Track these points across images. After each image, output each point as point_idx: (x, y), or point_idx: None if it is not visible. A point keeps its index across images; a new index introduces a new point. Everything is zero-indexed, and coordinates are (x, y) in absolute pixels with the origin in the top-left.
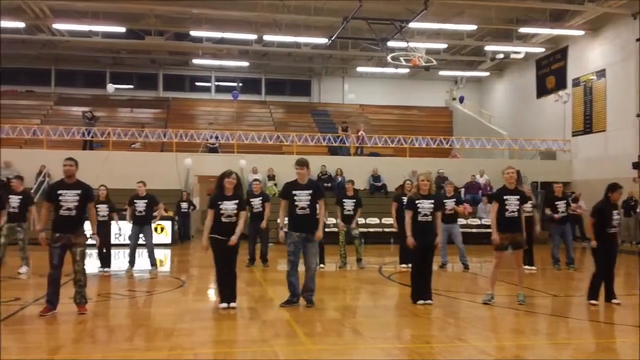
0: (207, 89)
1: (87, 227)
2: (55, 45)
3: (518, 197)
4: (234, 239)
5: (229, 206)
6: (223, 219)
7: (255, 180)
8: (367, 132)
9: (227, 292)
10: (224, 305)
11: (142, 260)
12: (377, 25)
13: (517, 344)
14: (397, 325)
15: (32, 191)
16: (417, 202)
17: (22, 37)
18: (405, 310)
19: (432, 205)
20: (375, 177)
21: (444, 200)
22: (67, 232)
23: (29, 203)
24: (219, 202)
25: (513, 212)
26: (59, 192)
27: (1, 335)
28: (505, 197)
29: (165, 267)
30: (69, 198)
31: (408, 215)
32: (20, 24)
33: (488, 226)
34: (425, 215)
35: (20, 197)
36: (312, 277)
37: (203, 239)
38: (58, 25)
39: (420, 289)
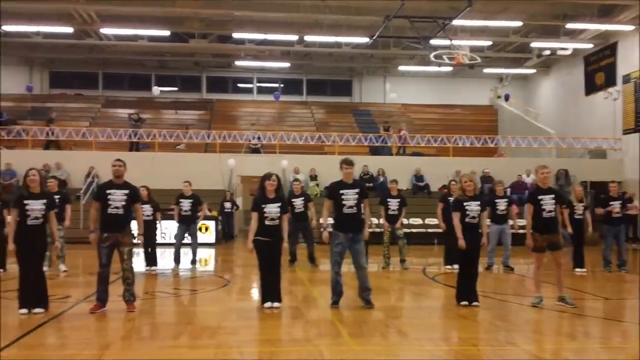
0: (249, 90)
1: (134, 226)
2: (102, 49)
3: (553, 196)
4: (285, 246)
5: (272, 209)
6: (267, 222)
7: (296, 180)
8: (409, 131)
9: (271, 292)
10: (268, 304)
11: (188, 258)
12: (420, 23)
13: (568, 348)
14: (443, 327)
15: (81, 191)
16: (465, 203)
17: (71, 42)
18: (451, 312)
19: (479, 207)
20: (418, 177)
21: (496, 200)
22: (115, 231)
23: (65, 202)
24: (263, 205)
25: (550, 212)
26: (108, 191)
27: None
28: (539, 198)
29: (210, 266)
30: (117, 197)
31: (456, 217)
32: (69, 29)
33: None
34: (473, 217)
35: (58, 197)
36: (366, 276)
37: (248, 242)
38: (105, 30)
39: (466, 290)
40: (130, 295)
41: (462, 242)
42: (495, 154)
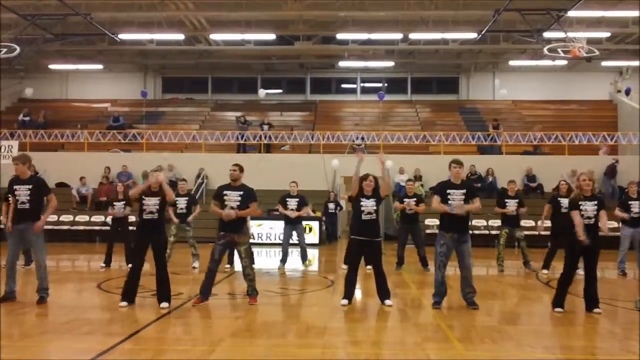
0: (352, 91)
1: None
2: (211, 54)
3: None
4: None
5: (369, 203)
6: (364, 217)
7: (409, 180)
8: (519, 129)
9: (380, 290)
10: (344, 302)
11: (293, 258)
12: (532, 16)
13: None
14: (557, 335)
15: (191, 192)
16: (580, 203)
17: (182, 48)
18: (565, 319)
19: (596, 207)
20: (530, 177)
21: (629, 202)
22: (231, 231)
23: (194, 203)
24: (361, 199)
25: None
26: (224, 192)
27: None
28: None
29: (314, 267)
30: (232, 198)
31: (577, 215)
32: (180, 36)
33: None
34: (588, 217)
35: (187, 198)
36: (471, 277)
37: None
38: (214, 36)
39: (564, 295)
40: (252, 290)
41: (583, 238)
42: (599, 151)
